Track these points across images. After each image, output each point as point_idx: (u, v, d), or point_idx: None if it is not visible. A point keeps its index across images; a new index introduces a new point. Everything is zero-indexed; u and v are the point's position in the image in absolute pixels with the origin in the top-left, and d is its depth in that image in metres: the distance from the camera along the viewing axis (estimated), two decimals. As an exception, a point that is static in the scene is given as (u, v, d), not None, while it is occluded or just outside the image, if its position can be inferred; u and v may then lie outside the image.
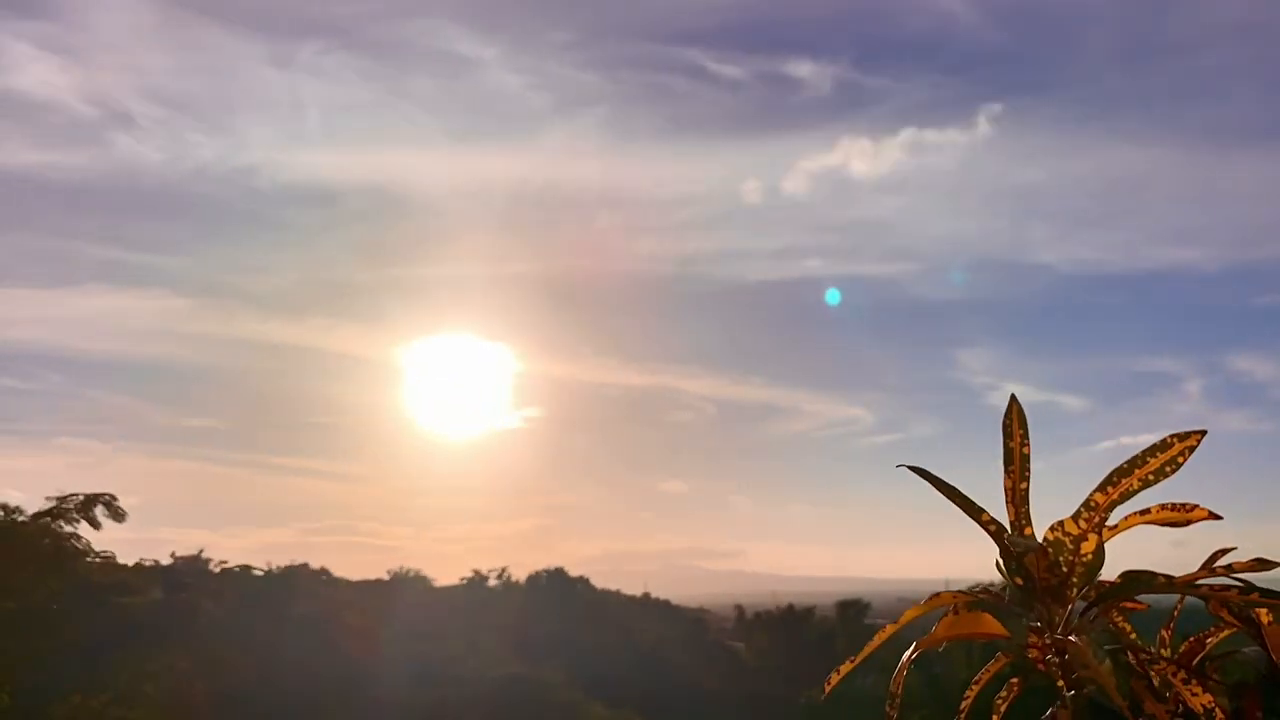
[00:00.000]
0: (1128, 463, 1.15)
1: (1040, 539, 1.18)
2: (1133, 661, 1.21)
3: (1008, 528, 1.21)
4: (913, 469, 1.20)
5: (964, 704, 1.35)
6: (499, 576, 47.76)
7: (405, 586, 43.00)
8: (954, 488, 1.18)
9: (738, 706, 37.87)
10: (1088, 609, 1.19)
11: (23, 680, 15.43)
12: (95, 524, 16.80)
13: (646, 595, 56.02)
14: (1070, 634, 1.17)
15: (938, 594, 1.26)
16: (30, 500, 17.20)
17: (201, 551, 29.68)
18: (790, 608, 48.17)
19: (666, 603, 56.37)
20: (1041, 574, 1.16)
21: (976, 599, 1.24)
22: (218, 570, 28.08)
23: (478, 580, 47.32)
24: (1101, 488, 1.16)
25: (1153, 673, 1.19)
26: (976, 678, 1.33)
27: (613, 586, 53.83)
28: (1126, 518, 1.20)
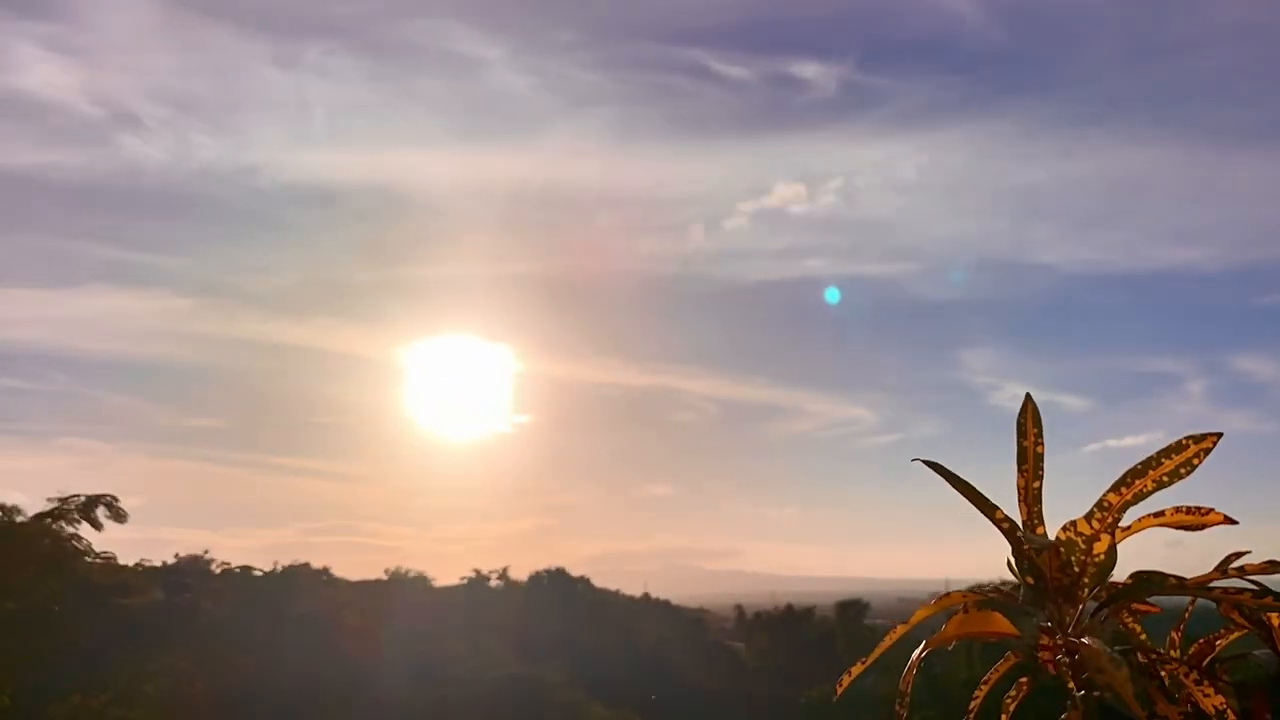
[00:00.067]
0: (1142, 464, 1.15)
1: (1052, 538, 1.18)
2: (1144, 662, 1.21)
3: (1020, 526, 1.21)
4: (928, 463, 1.20)
5: (973, 704, 1.35)
6: (499, 577, 47.81)
7: (405, 586, 43.00)
8: (969, 484, 1.18)
9: (738, 707, 37.88)
10: (1099, 609, 1.19)
11: (23, 680, 15.43)
12: (96, 525, 16.82)
13: (646, 595, 56.03)
14: (1081, 634, 1.16)
15: (947, 594, 1.26)
16: (33, 501, 17.20)
17: (206, 552, 29.75)
18: (790, 608, 48.20)
19: (666, 603, 56.37)
20: (1054, 574, 1.16)
21: (987, 598, 1.24)
22: (218, 571, 28.13)
23: (478, 580, 47.34)
24: (1115, 488, 1.15)
25: (1163, 673, 1.19)
26: (986, 677, 1.33)
27: (613, 586, 53.88)
28: (1141, 520, 1.20)
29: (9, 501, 17.04)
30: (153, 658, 18.18)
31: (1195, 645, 1.34)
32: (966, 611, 1.25)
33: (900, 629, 1.29)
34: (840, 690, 1.30)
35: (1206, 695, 1.13)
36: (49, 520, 16.59)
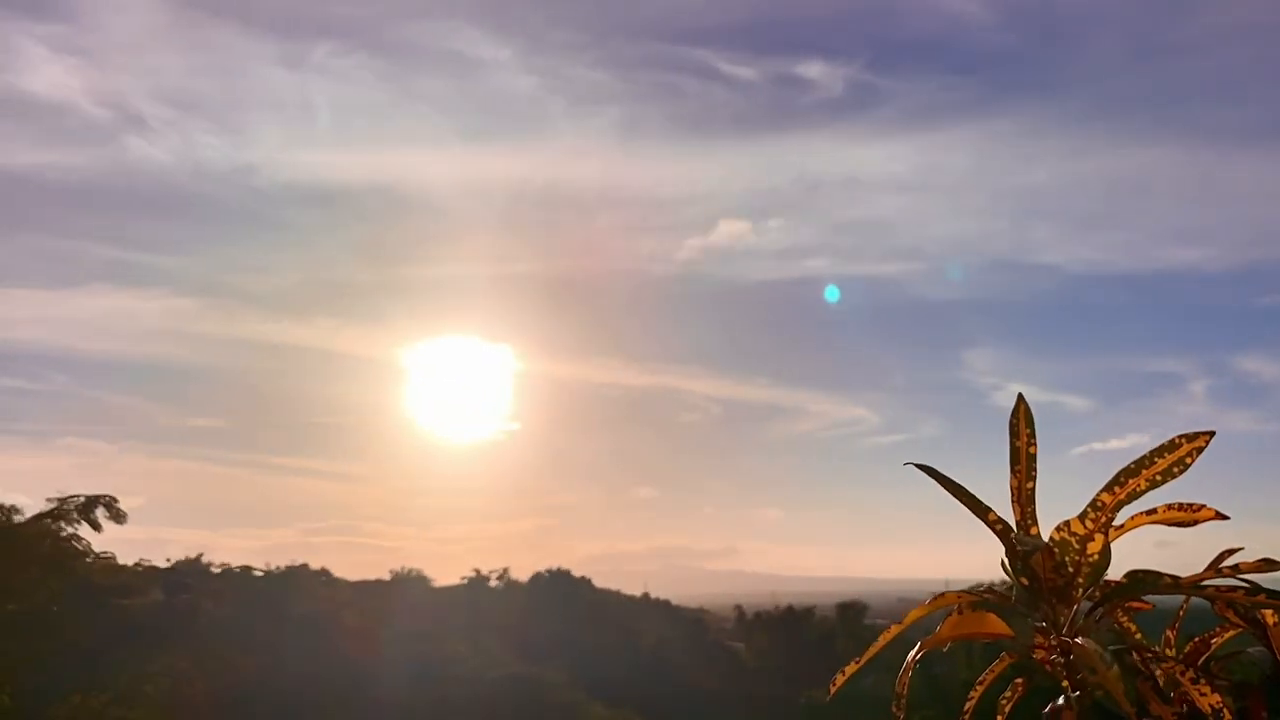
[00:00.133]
0: (1135, 463, 1.15)
1: (1046, 539, 1.18)
2: (1137, 661, 1.21)
3: (1014, 527, 1.21)
4: (920, 467, 1.20)
5: (968, 704, 1.35)
6: (499, 577, 47.84)
7: (405, 586, 43.02)
8: (961, 486, 1.18)
9: (738, 707, 37.89)
10: (1093, 609, 1.19)
11: (24, 680, 15.43)
12: (96, 526, 16.82)
13: (646, 595, 56.05)
14: (1076, 634, 1.16)
15: (942, 594, 1.26)
16: (34, 502, 17.21)
17: (200, 555, 29.76)
18: (790, 608, 48.23)
19: (666, 603, 56.39)
20: (1047, 574, 1.16)
21: (981, 599, 1.24)
22: (218, 571, 28.15)
23: (478, 580, 47.38)
24: (1108, 488, 1.15)
25: (1158, 672, 1.19)
26: (981, 678, 1.33)
27: (613, 586, 53.91)
28: (1133, 518, 1.20)
29: (10, 502, 17.06)
30: (153, 658, 18.19)
31: (1190, 644, 1.34)
32: (961, 612, 1.25)
33: (894, 629, 1.29)
34: (833, 690, 1.30)
35: (1203, 694, 1.13)
36: (49, 521, 16.59)
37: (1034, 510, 1.22)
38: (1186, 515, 1.19)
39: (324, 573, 36.97)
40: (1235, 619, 1.27)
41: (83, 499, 16.83)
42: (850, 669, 1.27)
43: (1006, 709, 1.35)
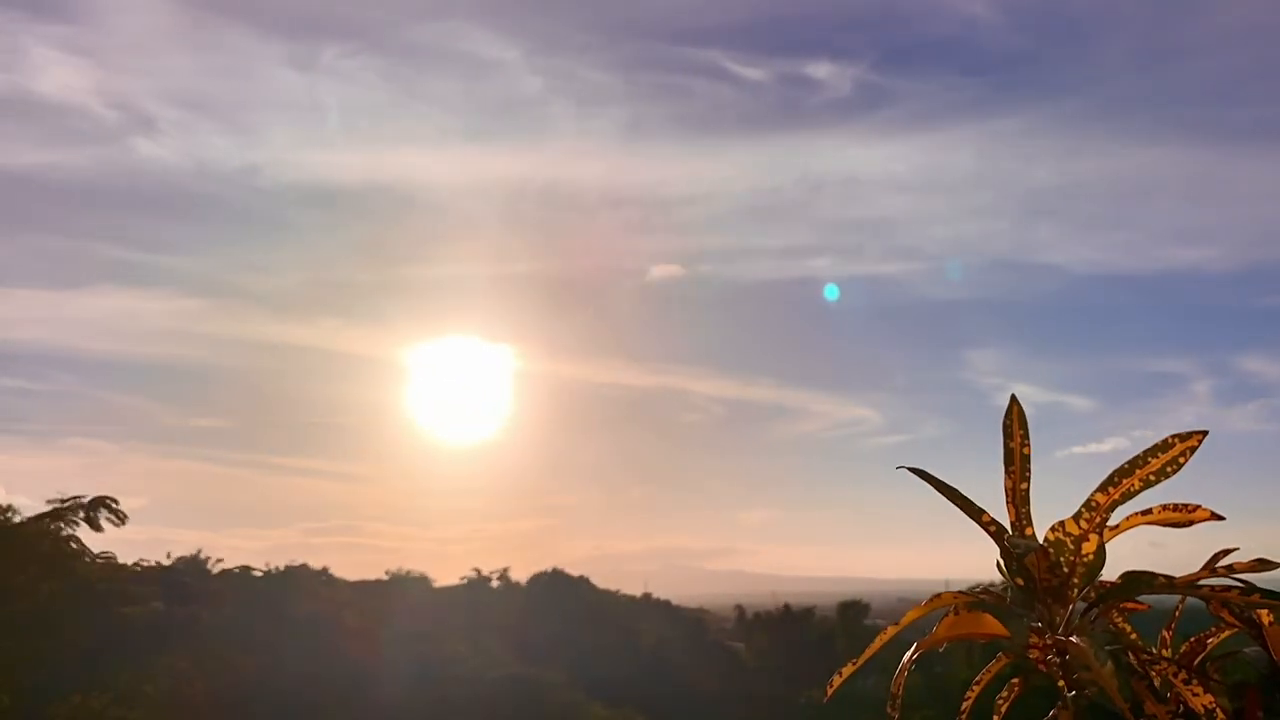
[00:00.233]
0: (1129, 463, 1.15)
1: (1041, 539, 1.18)
2: (1133, 662, 1.21)
3: (1008, 528, 1.21)
4: (913, 470, 1.20)
5: (965, 704, 1.35)
6: (499, 577, 47.82)
7: (405, 587, 43.00)
8: (954, 489, 1.19)
9: (738, 707, 37.86)
10: (1089, 609, 1.19)
11: (23, 681, 15.43)
12: (96, 527, 16.82)
13: (646, 595, 56.01)
14: (1071, 634, 1.16)
15: (938, 595, 1.26)
16: (35, 502, 17.22)
17: (199, 552, 29.78)
18: (789, 608, 48.19)
19: (666, 603, 56.33)
20: (1042, 574, 1.16)
21: (977, 599, 1.24)
22: (217, 571, 28.15)
23: (478, 580, 47.35)
24: (1103, 488, 1.16)
25: (1153, 673, 1.19)
26: (977, 678, 1.33)
27: (613, 586, 53.86)
28: (1128, 518, 1.20)
29: (13, 503, 17.07)
30: (152, 658, 18.18)
31: (1186, 644, 1.34)
32: (958, 613, 1.25)
33: (891, 630, 1.29)
34: (830, 691, 1.30)
35: (1195, 695, 1.13)
36: (48, 521, 16.59)
37: (1029, 511, 1.22)
38: (1182, 516, 1.19)
39: (324, 573, 36.98)
40: (1231, 619, 1.27)
41: (84, 500, 16.84)
42: (847, 670, 1.27)
43: (1003, 709, 1.35)
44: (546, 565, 48.58)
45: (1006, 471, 1.22)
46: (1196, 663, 1.31)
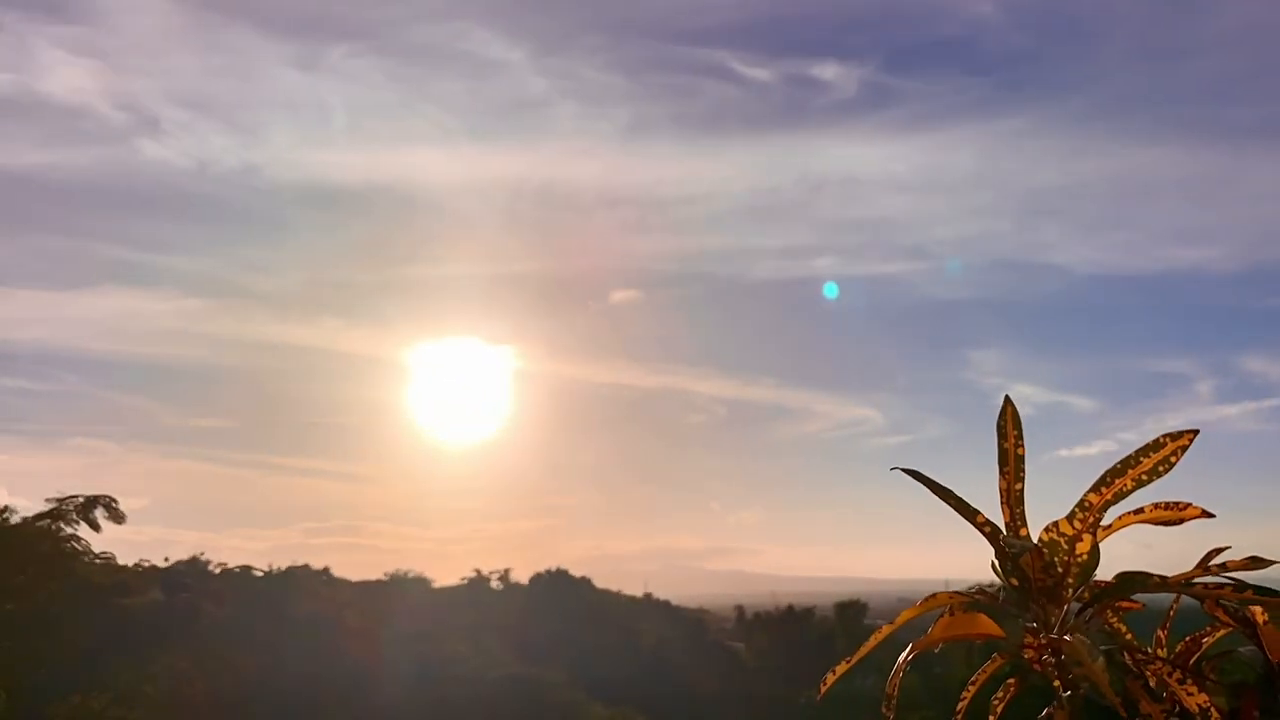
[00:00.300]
0: (1121, 463, 1.16)
1: (1036, 540, 1.19)
2: (1128, 662, 1.21)
3: (1003, 529, 1.22)
4: (907, 471, 1.21)
5: (960, 704, 1.35)
6: (500, 577, 47.86)
7: (406, 587, 43.02)
8: (948, 490, 1.19)
9: (738, 707, 37.88)
10: (1083, 609, 1.19)
11: (23, 681, 15.43)
12: (95, 526, 16.82)
13: (647, 595, 56.05)
14: (1066, 634, 1.17)
15: (934, 595, 1.27)
16: (34, 503, 17.23)
17: (201, 554, 29.79)
18: (790, 608, 48.21)
19: (666, 603, 56.38)
20: (1037, 574, 1.16)
21: (972, 600, 1.24)
22: (217, 571, 28.14)
23: (479, 581, 47.39)
24: (1095, 488, 1.16)
25: (1148, 673, 1.19)
26: (973, 678, 1.34)
27: (613, 586, 53.90)
28: (1120, 517, 1.20)
29: (15, 503, 17.09)
30: (152, 658, 18.19)
31: (1181, 643, 1.35)
32: (953, 613, 1.25)
33: (885, 629, 1.29)
34: (824, 690, 1.30)
35: (1190, 694, 1.13)
36: (48, 521, 16.60)
37: (1023, 511, 1.23)
38: (1173, 514, 1.20)
39: (324, 573, 36.99)
40: (1225, 618, 1.28)
41: (82, 499, 16.84)
42: (841, 668, 1.27)
43: (999, 709, 1.35)
44: (547, 565, 48.68)
45: (1001, 472, 1.23)
46: (1192, 662, 1.32)
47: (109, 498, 17.02)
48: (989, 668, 1.31)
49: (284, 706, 22.96)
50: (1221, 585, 1.15)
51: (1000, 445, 1.23)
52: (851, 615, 46.19)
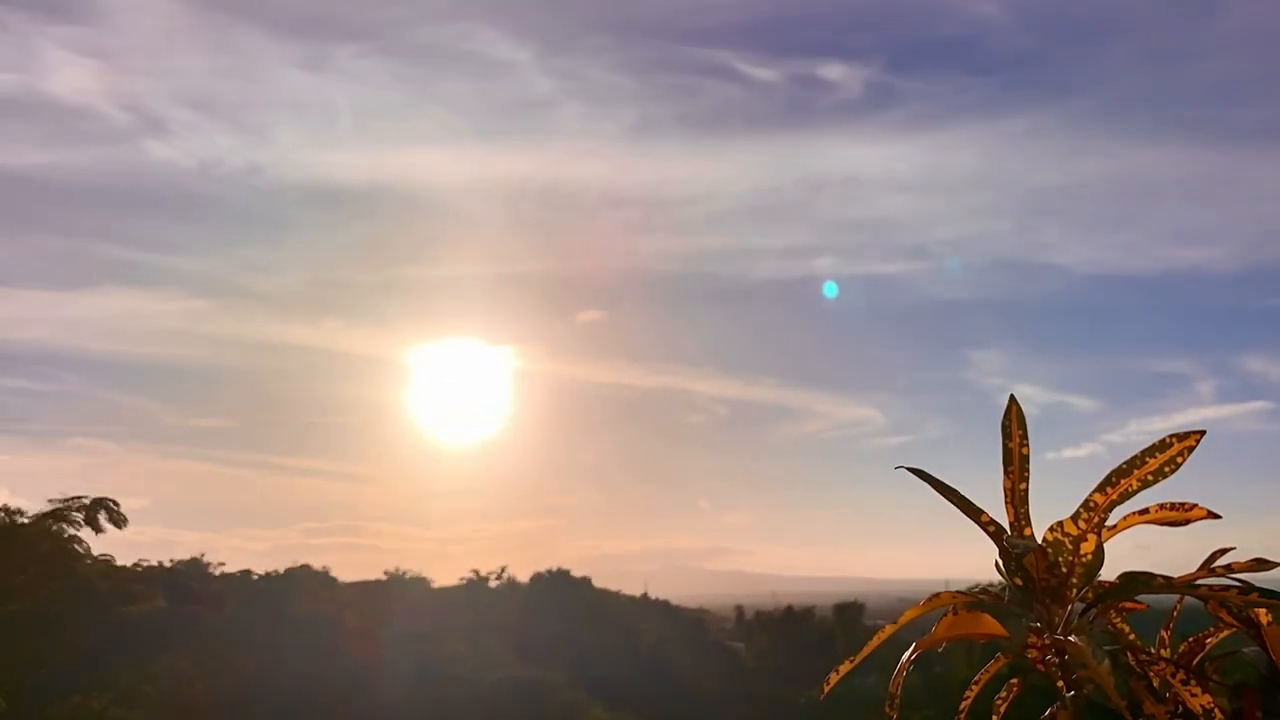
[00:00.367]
0: (1126, 463, 1.16)
1: (1040, 540, 1.18)
2: (1132, 662, 1.21)
3: (1007, 529, 1.22)
4: (912, 470, 1.21)
5: (964, 704, 1.35)
6: (499, 577, 47.85)
7: (405, 587, 43.03)
8: (953, 489, 1.19)
9: (738, 707, 37.88)
10: (1087, 609, 1.19)
11: (23, 681, 15.44)
12: (97, 528, 16.83)
13: (646, 595, 56.04)
14: (1070, 634, 1.17)
15: (936, 594, 1.26)
16: (35, 504, 17.23)
17: (202, 555, 29.84)
18: (789, 608, 48.22)
19: (666, 603, 56.38)
20: (1041, 574, 1.16)
21: (976, 599, 1.24)
22: (218, 573, 28.18)
23: (478, 581, 47.38)
24: (1100, 488, 1.16)
25: (1152, 673, 1.19)
26: (976, 678, 1.33)
27: (613, 586, 53.89)
28: (1125, 517, 1.20)
29: (11, 504, 17.08)
30: (153, 659, 18.19)
31: (1185, 644, 1.34)
32: (956, 613, 1.25)
33: (888, 629, 1.29)
34: (827, 689, 1.30)
35: (1194, 695, 1.13)
36: (49, 522, 16.60)
37: (1027, 511, 1.22)
38: (1179, 515, 1.20)
39: (324, 574, 37.02)
40: (1229, 619, 1.28)
41: (86, 501, 16.86)
42: (844, 668, 1.27)
43: (1002, 709, 1.35)
44: (546, 565, 48.68)
45: (1005, 472, 1.22)
46: (1195, 663, 1.31)
47: (111, 500, 17.04)
48: (992, 667, 1.31)
49: (284, 706, 22.97)
50: (1227, 587, 1.15)
51: (1005, 445, 1.23)
52: (851, 615, 46.18)
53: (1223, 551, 1.20)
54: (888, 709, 1.26)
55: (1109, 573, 1.17)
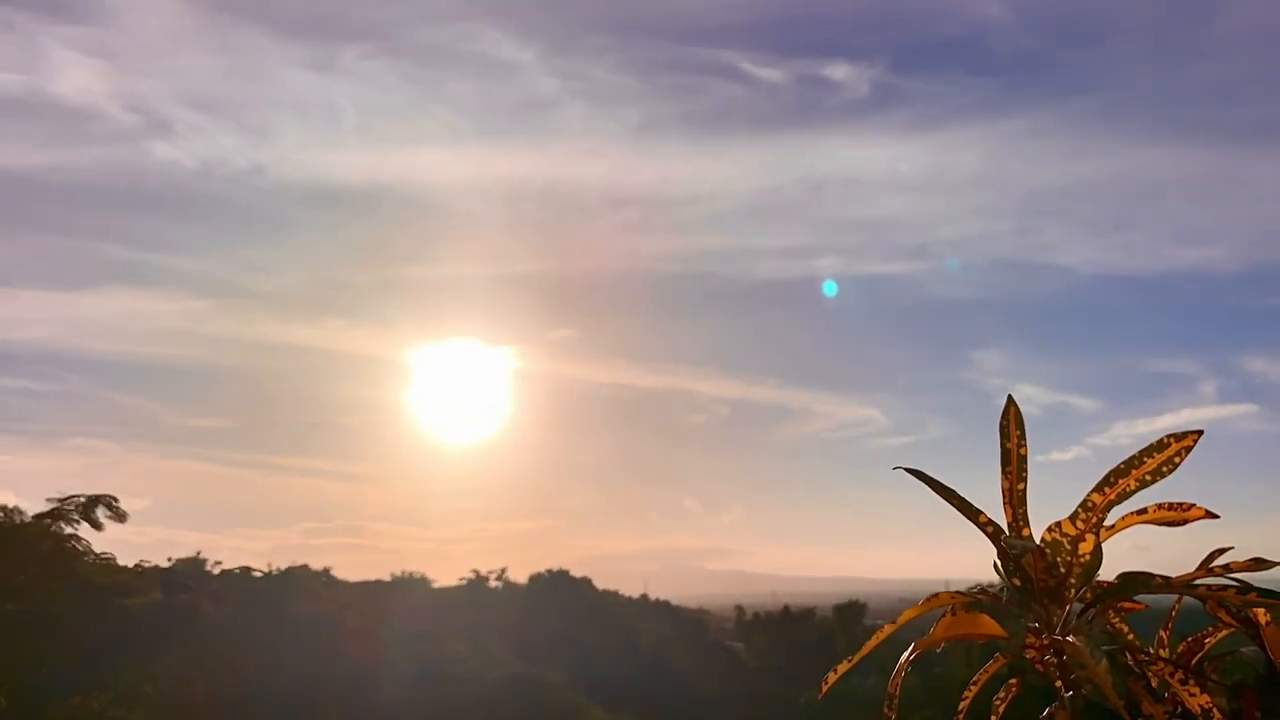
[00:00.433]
0: (1124, 463, 1.16)
1: (1038, 540, 1.19)
2: (1131, 662, 1.21)
3: (1005, 529, 1.22)
4: (909, 471, 1.21)
5: (962, 704, 1.35)
6: (499, 577, 47.85)
7: (405, 587, 43.04)
8: (951, 490, 1.19)
9: (737, 707, 37.87)
10: (1085, 610, 1.19)
11: (22, 681, 15.43)
12: (97, 525, 16.81)
13: (646, 596, 56.06)
14: (1068, 635, 1.17)
15: (935, 595, 1.26)
16: (34, 503, 17.22)
17: (199, 553, 29.81)
18: (789, 608, 48.23)
19: (666, 603, 56.38)
20: (1039, 575, 1.16)
21: (974, 600, 1.24)
22: (217, 572, 28.15)
23: (478, 581, 47.38)
24: (1099, 488, 1.16)
25: (1150, 673, 1.19)
26: (975, 678, 1.33)
27: (613, 587, 53.91)
28: (1124, 518, 1.20)
29: (11, 502, 17.07)
30: (153, 659, 18.17)
31: (1183, 644, 1.34)
32: (954, 613, 1.25)
33: (887, 629, 1.29)
34: (825, 689, 1.30)
35: (1193, 695, 1.13)
36: (48, 521, 16.60)
37: (1025, 512, 1.22)
38: (1177, 515, 1.20)
39: (324, 573, 36.98)
40: (1227, 619, 1.28)
41: (83, 498, 16.83)
42: (842, 668, 1.27)
43: (1001, 709, 1.35)
44: (547, 565, 48.70)
45: (1004, 472, 1.22)
46: (1194, 663, 1.32)
47: (111, 497, 17.01)
48: (991, 668, 1.31)
49: (284, 706, 22.97)
50: (1225, 587, 1.15)
51: (1003, 445, 1.23)
52: (851, 615, 46.19)
53: (1221, 551, 1.20)
54: (886, 709, 1.26)
55: (1107, 573, 1.17)
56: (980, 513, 1.20)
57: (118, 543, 17.57)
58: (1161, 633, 1.36)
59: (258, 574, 28.61)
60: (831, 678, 1.29)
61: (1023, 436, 1.23)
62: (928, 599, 1.26)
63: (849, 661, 1.27)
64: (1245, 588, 1.14)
